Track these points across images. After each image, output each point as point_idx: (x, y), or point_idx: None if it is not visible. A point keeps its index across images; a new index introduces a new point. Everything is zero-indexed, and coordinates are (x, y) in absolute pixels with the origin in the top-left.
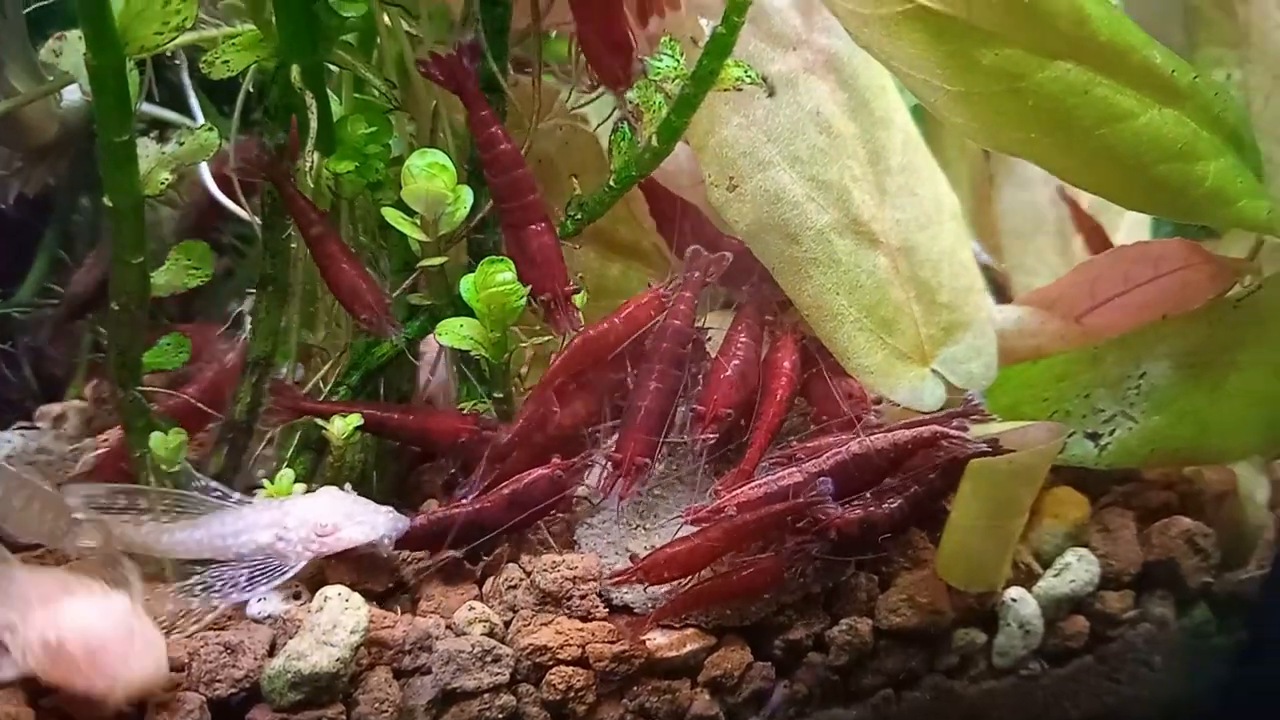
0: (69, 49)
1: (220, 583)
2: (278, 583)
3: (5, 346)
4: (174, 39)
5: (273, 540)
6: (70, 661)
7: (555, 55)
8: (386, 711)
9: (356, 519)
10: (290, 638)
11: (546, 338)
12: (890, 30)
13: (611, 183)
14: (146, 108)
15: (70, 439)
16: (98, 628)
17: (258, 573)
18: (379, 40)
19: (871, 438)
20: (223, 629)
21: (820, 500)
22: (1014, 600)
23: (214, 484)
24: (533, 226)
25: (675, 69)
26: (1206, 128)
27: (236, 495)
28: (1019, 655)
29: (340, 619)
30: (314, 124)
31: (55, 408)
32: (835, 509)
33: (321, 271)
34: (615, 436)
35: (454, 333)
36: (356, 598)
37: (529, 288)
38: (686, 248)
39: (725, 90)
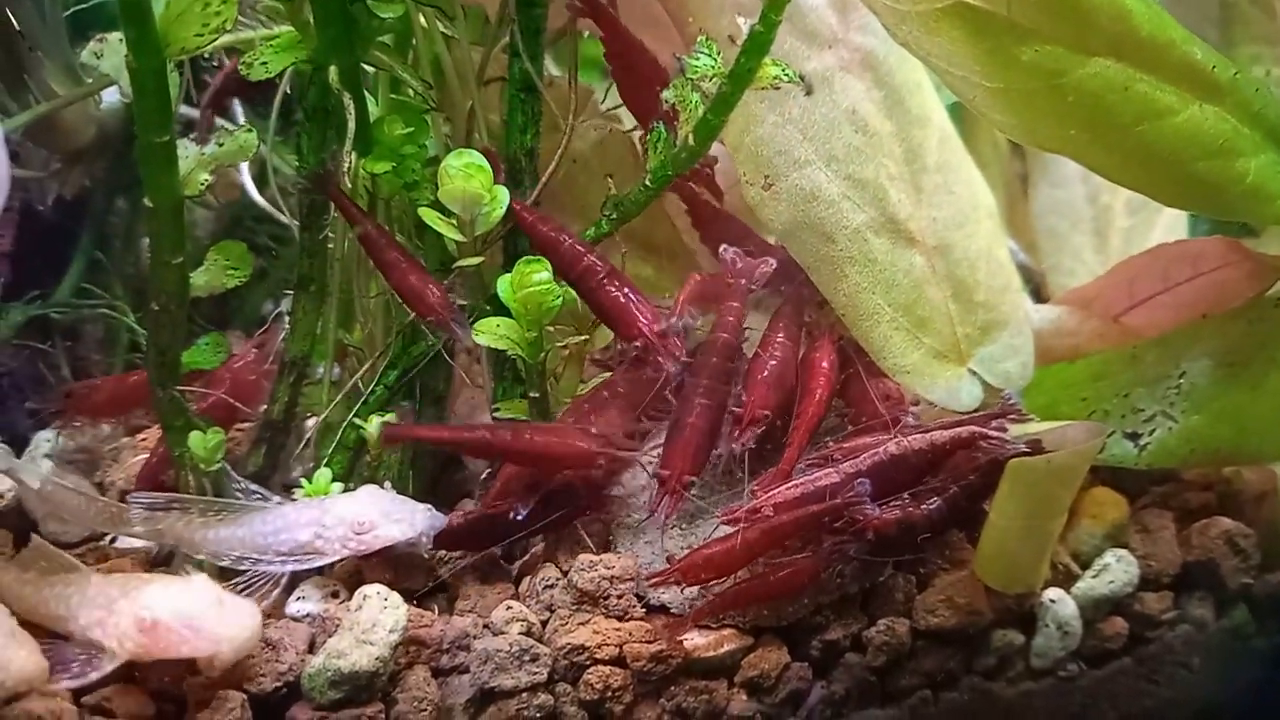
0: (110, 51)
1: (261, 581)
2: (307, 570)
3: (44, 346)
4: (214, 41)
5: (311, 538)
6: (169, 633)
7: (590, 57)
8: (425, 710)
9: (394, 517)
10: (329, 636)
11: (582, 338)
12: (929, 27)
13: (647, 182)
14: (184, 110)
15: (107, 438)
16: (186, 599)
17: (297, 570)
18: (414, 41)
19: (909, 438)
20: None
21: (858, 501)
22: (1053, 601)
23: (253, 486)
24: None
25: (712, 67)
26: (1247, 124)
27: (276, 498)
28: (1057, 656)
29: (379, 618)
30: (352, 125)
31: None
32: (873, 509)
33: (384, 275)
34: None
35: (491, 332)
36: (395, 597)
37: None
38: (719, 246)
39: (762, 89)
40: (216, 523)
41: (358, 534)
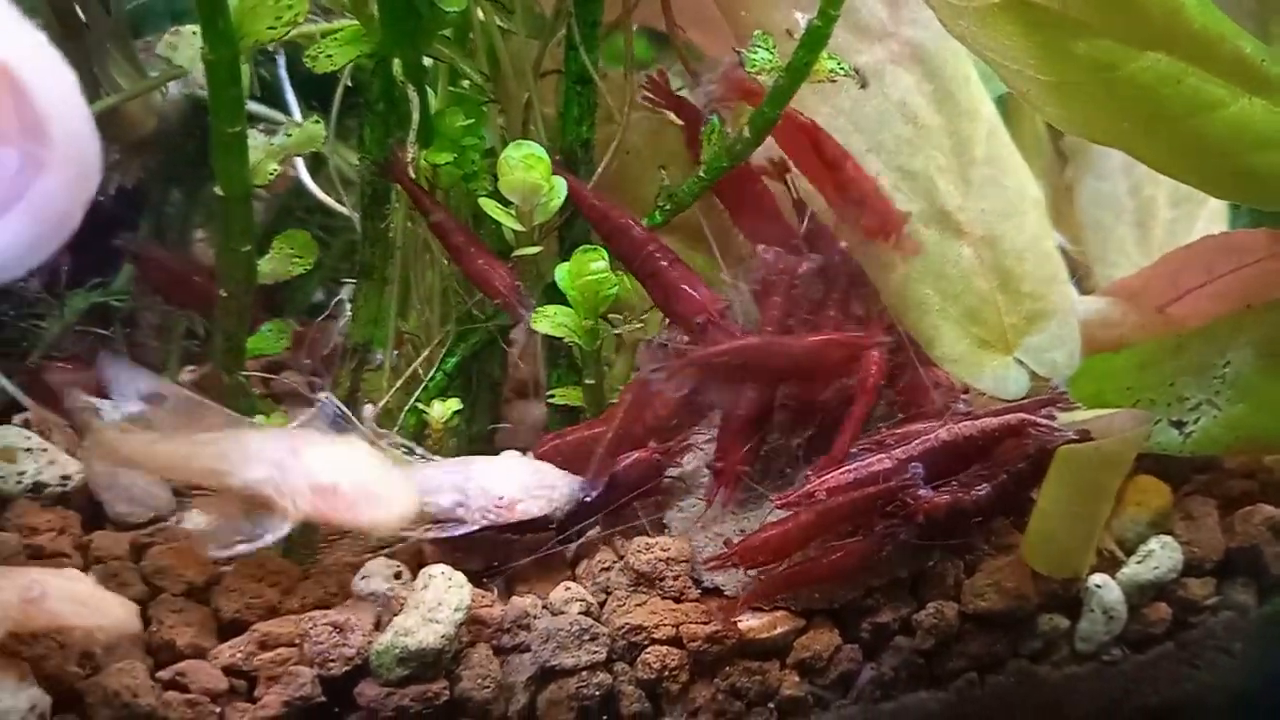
0: (184, 43)
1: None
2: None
3: (104, 332)
4: (286, 33)
5: (453, 506)
6: (344, 500)
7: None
8: (488, 687)
9: (534, 493)
10: (394, 615)
11: (638, 325)
12: (985, 21)
13: (701, 173)
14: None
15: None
16: (359, 467)
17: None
18: (472, 34)
19: (960, 425)
20: (328, 607)
21: (911, 485)
22: (1098, 586)
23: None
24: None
25: (770, 61)
26: None
27: (420, 450)
28: (1102, 641)
29: (444, 597)
30: (414, 117)
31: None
32: (926, 493)
33: (453, 260)
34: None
35: (549, 319)
36: (459, 576)
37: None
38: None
39: (818, 82)
40: None
41: (497, 507)
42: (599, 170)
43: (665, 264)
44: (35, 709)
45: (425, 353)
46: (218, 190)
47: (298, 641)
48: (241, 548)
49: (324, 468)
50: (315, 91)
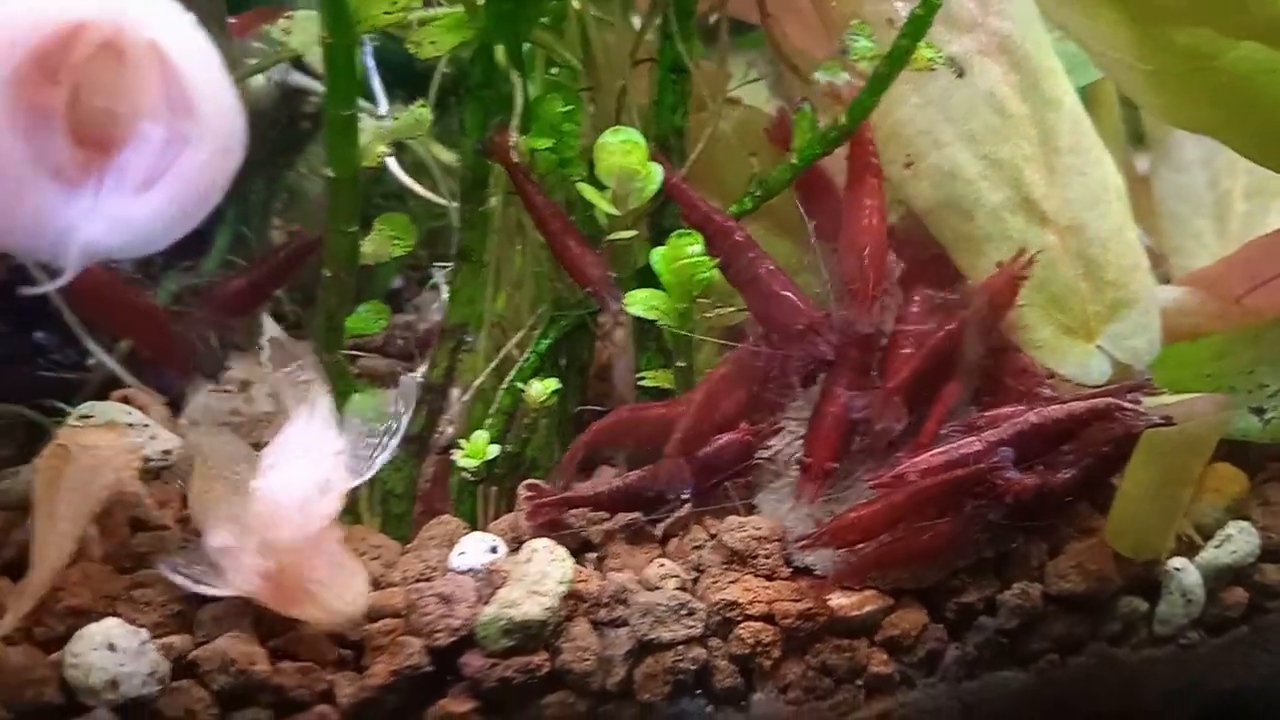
0: (298, 28)
1: None
2: None
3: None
4: (401, 17)
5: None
6: (285, 594)
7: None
8: (588, 660)
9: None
10: (495, 589)
11: (731, 309)
12: (1088, 10)
13: (794, 160)
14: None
15: (256, 402)
16: (310, 559)
17: None
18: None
19: (1049, 409)
20: (429, 580)
21: (1001, 467)
22: (1178, 569)
23: None
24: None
25: (872, 49)
26: None
27: None
28: (1179, 624)
29: (548, 570)
30: (517, 102)
31: (241, 373)
32: (1014, 476)
33: (547, 243)
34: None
35: (642, 302)
36: (561, 550)
37: None
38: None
39: (917, 70)
40: None
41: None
42: (691, 158)
43: (764, 271)
44: (155, 674)
45: (519, 335)
46: (328, 172)
47: (403, 612)
48: (179, 580)
49: (281, 552)
50: (397, 81)
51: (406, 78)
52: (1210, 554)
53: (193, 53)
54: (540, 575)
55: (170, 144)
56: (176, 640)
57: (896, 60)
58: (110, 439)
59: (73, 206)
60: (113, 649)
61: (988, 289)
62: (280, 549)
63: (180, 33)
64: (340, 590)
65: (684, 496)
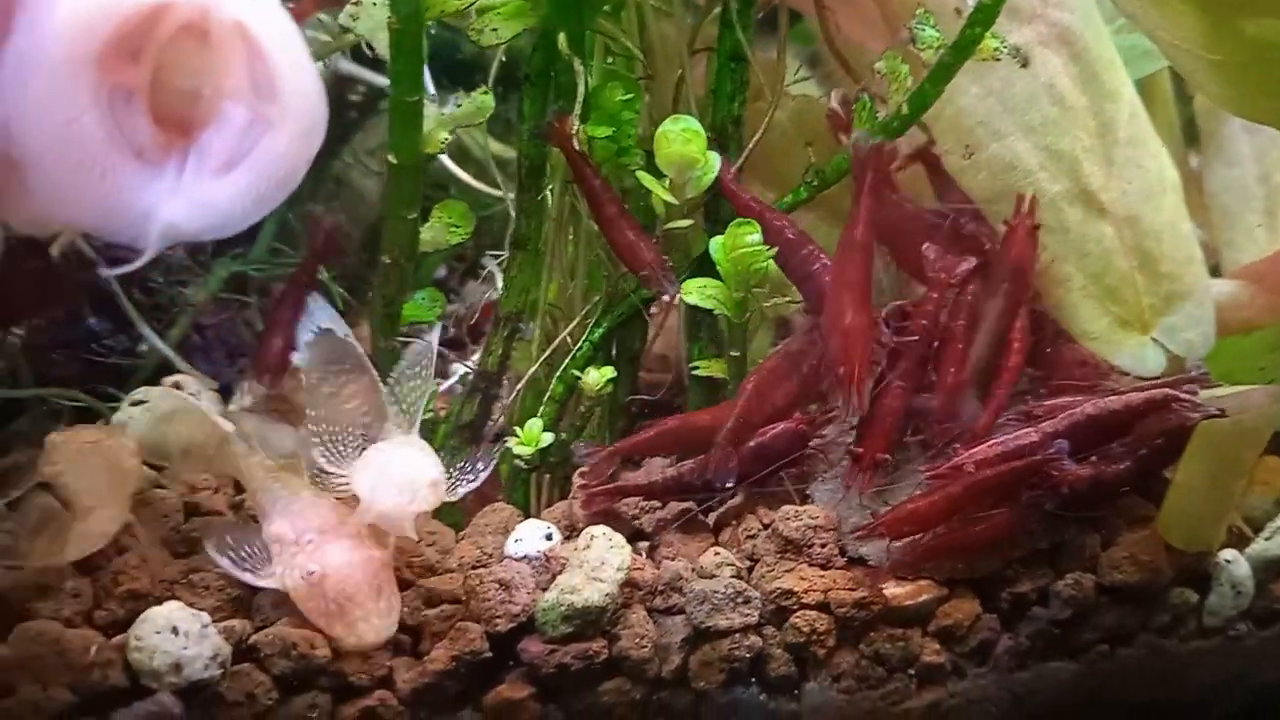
0: (365, 14)
1: None
2: None
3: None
4: (470, 5)
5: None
6: (323, 605)
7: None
8: (645, 647)
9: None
10: (551, 575)
11: (786, 298)
12: (1157, 1)
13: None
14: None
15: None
16: (356, 577)
17: None
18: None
19: (1105, 399)
20: (486, 566)
21: (1058, 458)
22: (1228, 561)
23: None
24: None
25: (938, 38)
26: None
27: None
28: (1229, 616)
29: (607, 556)
30: (580, 90)
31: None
32: (1071, 467)
33: (603, 231)
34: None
35: (699, 291)
36: (619, 537)
37: None
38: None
39: (983, 60)
40: None
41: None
42: (749, 147)
43: (819, 268)
44: (217, 657)
45: (573, 323)
46: (390, 158)
47: (462, 598)
48: (224, 564)
49: (331, 565)
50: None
51: (449, 67)
52: (1260, 546)
53: (278, 35)
54: (599, 562)
55: (252, 126)
56: (236, 624)
57: (963, 49)
58: None
59: (154, 188)
60: (176, 632)
61: (1009, 246)
62: (332, 559)
63: (266, 15)
64: (371, 615)
65: (728, 485)
